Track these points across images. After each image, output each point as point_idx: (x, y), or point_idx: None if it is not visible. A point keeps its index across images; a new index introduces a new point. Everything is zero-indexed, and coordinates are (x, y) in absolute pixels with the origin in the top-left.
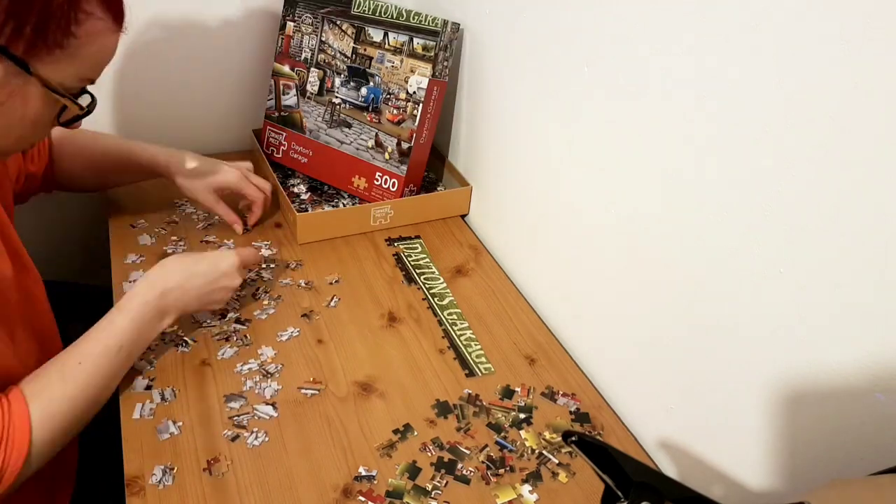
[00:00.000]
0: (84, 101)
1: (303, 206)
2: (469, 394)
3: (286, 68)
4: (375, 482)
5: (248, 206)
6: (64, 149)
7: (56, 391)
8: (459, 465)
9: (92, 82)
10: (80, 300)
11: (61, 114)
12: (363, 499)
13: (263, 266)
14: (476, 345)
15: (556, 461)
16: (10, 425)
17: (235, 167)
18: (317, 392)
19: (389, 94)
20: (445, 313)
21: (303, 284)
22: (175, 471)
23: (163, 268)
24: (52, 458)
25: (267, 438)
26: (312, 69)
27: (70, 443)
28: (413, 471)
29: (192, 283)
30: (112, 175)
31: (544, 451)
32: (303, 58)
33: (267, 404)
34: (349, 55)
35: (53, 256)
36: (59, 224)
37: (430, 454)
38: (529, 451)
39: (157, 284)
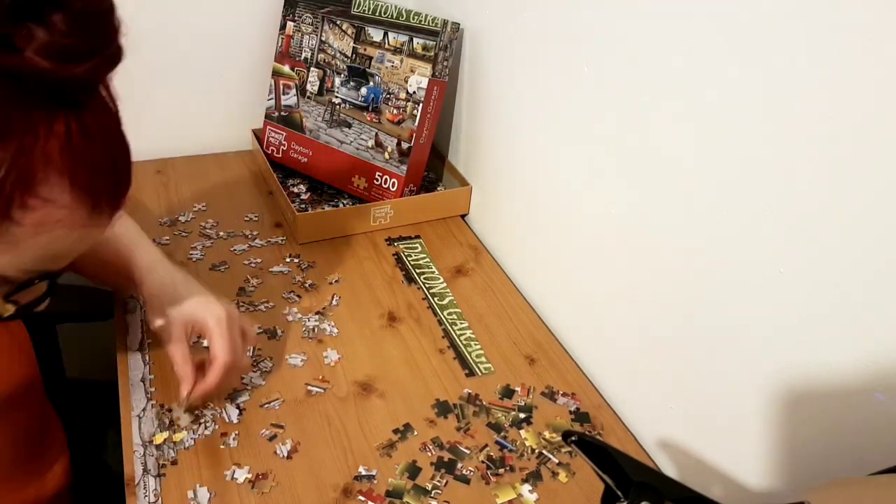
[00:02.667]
0: (24, 294)
1: (303, 206)
2: (469, 393)
3: (286, 68)
4: (375, 482)
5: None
6: None
7: None
8: (459, 465)
9: (48, 274)
10: (80, 301)
11: None
12: (363, 498)
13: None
14: (476, 344)
15: (556, 461)
16: None
17: (224, 309)
18: (322, 391)
19: (389, 93)
20: (445, 313)
21: (302, 283)
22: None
23: None
24: None
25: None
26: (312, 69)
27: (61, 448)
28: (413, 470)
29: None
30: (93, 269)
31: (544, 451)
32: (303, 57)
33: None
34: (349, 55)
35: None
36: None
37: (430, 454)
38: (529, 451)
39: None
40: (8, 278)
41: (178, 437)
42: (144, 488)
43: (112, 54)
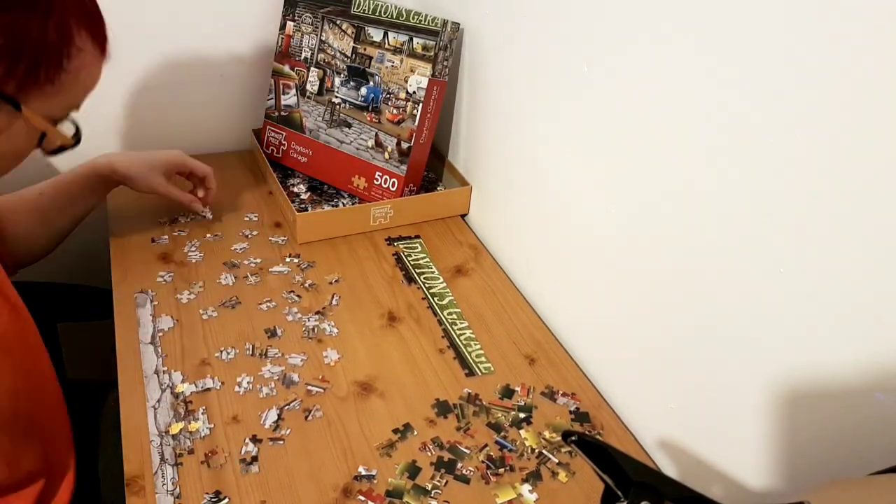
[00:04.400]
0: (69, 130)
1: (303, 205)
2: (469, 393)
3: (286, 68)
4: (375, 482)
5: (199, 182)
6: (1, 215)
7: None
8: (459, 465)
9: (77, 109)
10: (80, 301)
11: (41, 142)
12: (363, 498)
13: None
14: (476, 344)
15: (556, 461)
16: None
17: (174, 151)
18: (322, 390)
19: (389, 93)
20: (445, 313)
21: (302, 283)
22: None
23: None
24: None
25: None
26: (312, 69)
27: (67, 444)
28: (413, 470)
29: None
30: (57, 212)
31: (544, 451)
32: (303, 57)
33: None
34: (349, 55)
35: (54, 256)
36: None
37: (429, 454)
38: (529, 451)
39: None
40: (55, 118)
41: (193, 426)
42: (163, 477)
43: None
